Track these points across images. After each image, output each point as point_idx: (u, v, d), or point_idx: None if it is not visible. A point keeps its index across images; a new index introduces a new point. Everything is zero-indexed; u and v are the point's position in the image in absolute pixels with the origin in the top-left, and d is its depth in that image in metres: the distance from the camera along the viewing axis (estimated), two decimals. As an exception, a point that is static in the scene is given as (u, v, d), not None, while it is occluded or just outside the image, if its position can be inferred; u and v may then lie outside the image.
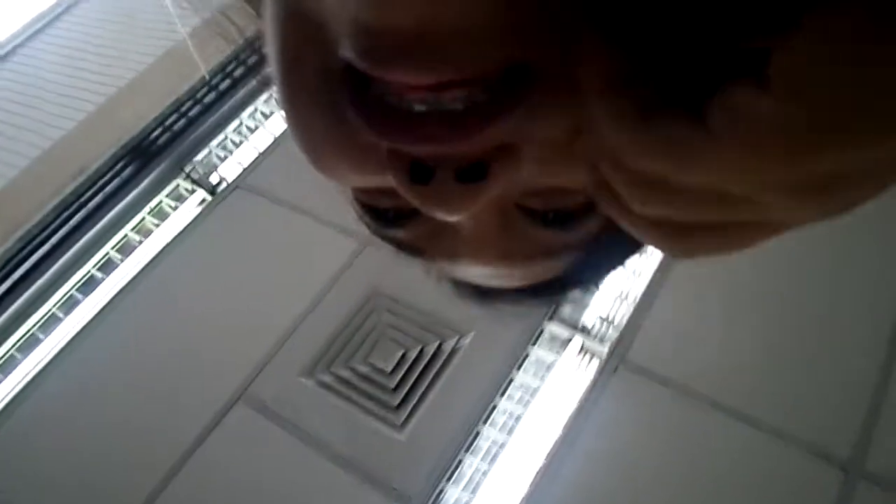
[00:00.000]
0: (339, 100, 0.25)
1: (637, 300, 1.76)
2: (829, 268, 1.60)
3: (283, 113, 0.29)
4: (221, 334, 1.84)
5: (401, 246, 0.35)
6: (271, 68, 0.29)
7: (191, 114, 2.33)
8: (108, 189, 2.18)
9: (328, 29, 0.24)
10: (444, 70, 0.22)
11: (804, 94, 0.17)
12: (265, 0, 0.28)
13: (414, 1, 0.21)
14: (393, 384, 1.66)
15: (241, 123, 2.37)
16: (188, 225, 2.10)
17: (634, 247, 0.38)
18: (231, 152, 2.34)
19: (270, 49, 0.28)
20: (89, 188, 2.18)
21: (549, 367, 1.75)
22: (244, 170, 2.21)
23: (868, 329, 1.52)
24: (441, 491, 1.58)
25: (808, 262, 1.52)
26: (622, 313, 1.78)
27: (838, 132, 0.18)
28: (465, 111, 0.23)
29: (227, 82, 2.36)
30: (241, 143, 2.35)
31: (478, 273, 0.35)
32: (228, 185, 2.18)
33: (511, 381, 1.70)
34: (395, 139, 0.24)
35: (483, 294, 0.42)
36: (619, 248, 0.38)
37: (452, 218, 0.27)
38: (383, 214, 0.32)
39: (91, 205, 2.16)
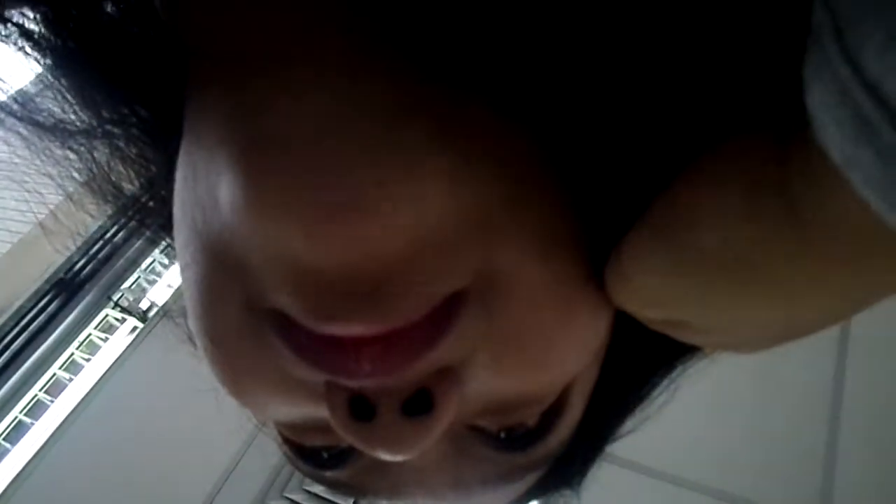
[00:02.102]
0: (266, 333, 0.24)
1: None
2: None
3: (200, 345, 0.27)
4: (165, 470, 1.75)
5: (338, 487, 0.32)
6: (186, 300, 0.28)
7: (115, 240, 2.27)
8: (32, 327, 2.08)
9: (253, 272, 0.23)
10: (391, 319, 0.22)
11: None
12: (176, 234, 0.27)
13: (349, 243, 0.21)
14: (350, 503, 1.60)
15: (168, 245, 2.32)
16: (120, 356, 2.02)
17: (594, 455, 0.37)
18: (160, 275, 2.28)
19: (186, 281, 0.27)
20: (12, 328, 2.08)
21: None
22: (175, 292, 2.16)
23: (812, 403, 1.55)
24: None
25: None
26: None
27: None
28: (403, 333, 0.22)
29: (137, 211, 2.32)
30: (170, 264, 2.30)
31: None
32: (160, 309, 2.12)
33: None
34: (333, 373, 0.23)
35: None
36: (582, 458, 0.36)
37: (403, 458, 0.24)
38: (315, 455, 0.30)
39: (15, 346, 2.05)
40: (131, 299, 2.18)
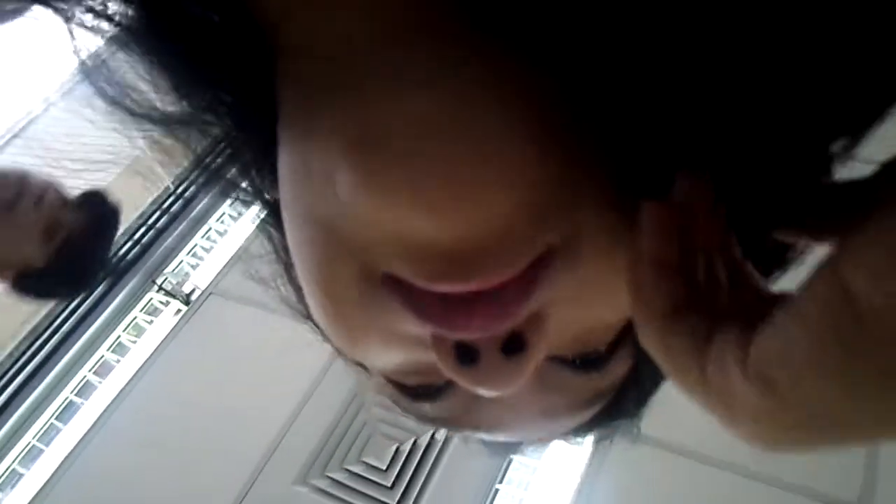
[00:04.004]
0: (381, 295, 0.26)
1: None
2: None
3: (317, 310, 0.30)
4: (209, 449, 1.79)
5: (434, 421, 0.35)
6: (301, 272, 0.31)
7: (158, 225, 2.32)
8: (80, 310, 2.14)
9: (370, 248, 0.26)
10: (497, 275, 0.25)
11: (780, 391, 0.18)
12: (288, 217, 0.30)
13: (463, 219, 0.24)
14: (389, 481, 1.62)
15: (210, 229, 2.36)
16: (165, 338, 2.07)
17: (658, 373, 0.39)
18: (202, 259, 2.33)
19: (301, 256, 0.30)
20: (61, 311, 2.14)
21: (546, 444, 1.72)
22: (217, 275, 2.20)
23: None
24: (451, 588, 1.53)
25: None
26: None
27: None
28: (504, 291, 0.25)
29: (192, 189, 2.37)
30: (211, 248, 2.34)
31: (518, 433, 0.36)
32: (202, 292, 2.16)
33: (510, 462, 1.67)
34: (449, 329, 0.26)
35: (517, 446, 0.43)
36: (651, 379, 0.38)
37: (504, 393, 0.27)
38: (415, 392, 0.33)
39: (64, 328, 2.12)
40: (175, 283, 2.23)
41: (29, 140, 2.95)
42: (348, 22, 0.26)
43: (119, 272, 2.22)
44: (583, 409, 0.35)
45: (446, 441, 1.67)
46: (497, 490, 1.64)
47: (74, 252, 1.33)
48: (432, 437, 1.68)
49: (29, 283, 1.33)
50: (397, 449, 1.67)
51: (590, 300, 0.28)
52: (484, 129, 0.23)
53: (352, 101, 0.25)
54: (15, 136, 2.95)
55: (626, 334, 0.32)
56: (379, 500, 1.61)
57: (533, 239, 0.25)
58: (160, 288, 2.22)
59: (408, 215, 0.24)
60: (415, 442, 1.68)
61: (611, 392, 0.35)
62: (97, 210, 1.33)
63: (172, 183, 2.37)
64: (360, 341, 0.29)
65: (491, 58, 0.24)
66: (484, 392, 0.27)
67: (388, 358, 0.30)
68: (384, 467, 1.64)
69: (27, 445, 1.97)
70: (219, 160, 0.36)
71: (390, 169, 0.23)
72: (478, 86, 0.24)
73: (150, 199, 2.37)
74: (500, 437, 0.36)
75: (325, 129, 0.26)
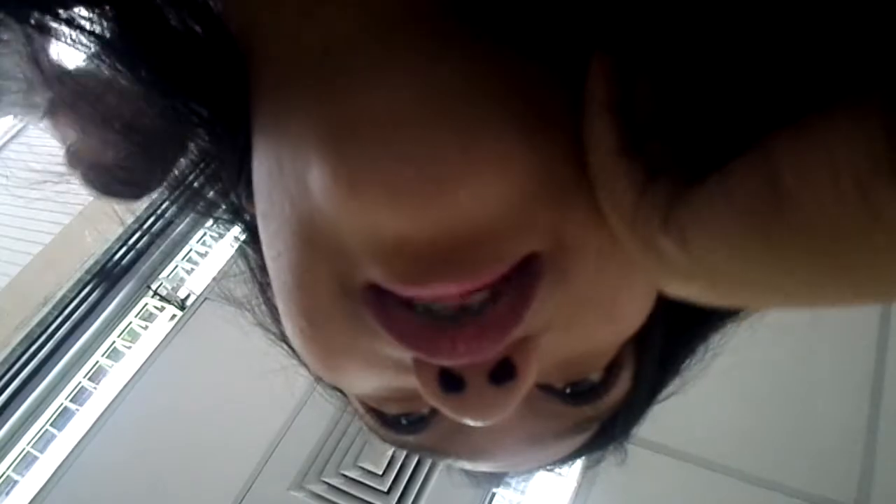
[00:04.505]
0: (360, 314, 0.25)
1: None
2: (809, 327, 1.62)
3: (292, 327, 0.28)
4: (205, 455, 1.79)
5: (421, 451, 0.34)
6: (277, 286, 0.29)
7: (153, 230, 2.31)
8: (75, 316, 2.13)
9: (346, 251, 0.25)
10: (478, 277, 0.23)
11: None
12: (264, 226, 0.29)
13: (438, 212, 0.22)
14: (386, 486, 1.62)
15: (204, 234, 2.36)
16: (160, 343, 2.06)
17: (651, 400, 0.38)
18: (197, 264, 2.32)
19: (278, 268, 0.28)
20: (56, 317, 2.13)
21: (541, 448, 1.72)
22: (212, 280, 2.19)
23: (851, 381, 1.53)
24: None
25: (790, 325, 1.53)
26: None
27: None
28: (491, 312, 0.24)
29: (187, 194, 2.35)
30: (206, 253, 2.34)
31: (503, 462, 0.34)
32: (197, 297, 2.16)
33: (505, 466, 1.66)
34: (432, 355, 0.24)
35: (501, 476, 0.41)
36: (644, 401, 0.37)
37: (492, 422, 0.26)
38: (396, 422, 0.31)
39: (59, 334, 2.10)
40: (170, 288, 2.22)
41: (21, 144, 2.95)
42: (332, 14, 0.25)
43: (114, 277, 2.21)
44: (572, 435, 0.33)
45: (443, 445, 1.67)
46: (494, 494, 1.64)
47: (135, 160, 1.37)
48: (428, 441, 1.67)
49: (93, 178, 1.37)
50: (393, 454, 1.67)
51: (582, 323, 0.26)
52: (464, 119, 0.22)
53: (327, 95, 0.24)
54: (12, 138, 2.95)
55: (620, 362, 0.31)
56: (375, 506, 1.60)
57: (516, 236, 0.23)
58: (155, 293, 2.21)
59: (381, 209, 0.22)
60: (411, 446, 1.67)
61: (602, 417, 0.34)
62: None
63: (167, 188, 2.35)
64: (338, 363, 0.28)
65: (474, 49, 0.23)
66: (470, 421, 0.26)
67: (367, 382, 0.29)
68: (380, 472, 1.64)
69: (22, 452, 1.97)
70: (197, 179, 0.35)
71: (363, 159, 0.22)
72: (459, 76, 0.23)
73: (145, 204, 2.37)
74: (484, 467, 0.35)
75: (299, 126, 0.25)
